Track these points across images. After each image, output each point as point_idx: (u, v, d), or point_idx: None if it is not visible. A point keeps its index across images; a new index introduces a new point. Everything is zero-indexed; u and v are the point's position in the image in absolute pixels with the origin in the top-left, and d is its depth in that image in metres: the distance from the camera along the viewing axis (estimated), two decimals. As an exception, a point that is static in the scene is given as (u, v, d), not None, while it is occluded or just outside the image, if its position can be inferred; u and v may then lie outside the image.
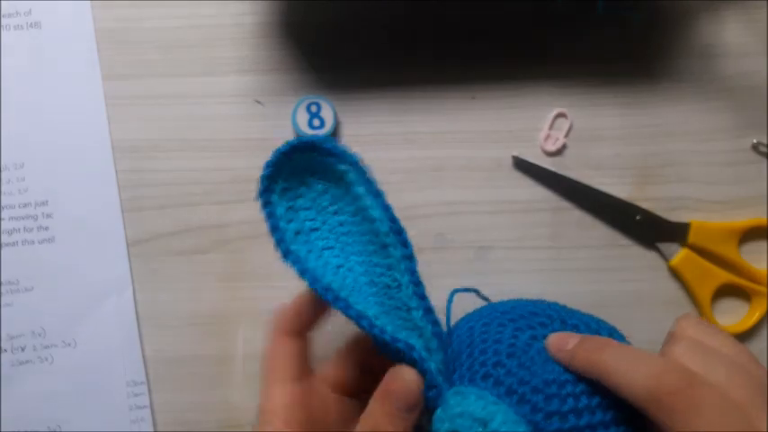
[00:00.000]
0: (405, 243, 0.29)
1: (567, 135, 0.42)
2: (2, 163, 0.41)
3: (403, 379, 0.29)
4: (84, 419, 0.41)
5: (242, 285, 0.42)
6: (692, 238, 0.41)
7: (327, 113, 0.41)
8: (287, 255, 0.29)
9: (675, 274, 0.42)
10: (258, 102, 0.42)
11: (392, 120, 0.42)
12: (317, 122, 0.41)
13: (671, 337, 0.29)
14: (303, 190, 0.31)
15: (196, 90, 0.42)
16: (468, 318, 0.33)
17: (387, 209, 0.30)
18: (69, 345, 0.41)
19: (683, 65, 0.42)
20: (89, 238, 0.41)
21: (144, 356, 0.42)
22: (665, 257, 0.42)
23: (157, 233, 0.42)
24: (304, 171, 0.30)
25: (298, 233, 0.30)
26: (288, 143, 0.29)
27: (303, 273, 0.29)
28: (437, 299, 0.37)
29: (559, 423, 0.27)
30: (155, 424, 0.41)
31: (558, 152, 0.42)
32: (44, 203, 0.41)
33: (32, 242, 0.41)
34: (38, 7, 0.42)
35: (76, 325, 0.41)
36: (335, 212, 0.31)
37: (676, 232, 0.41)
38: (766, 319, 0.42)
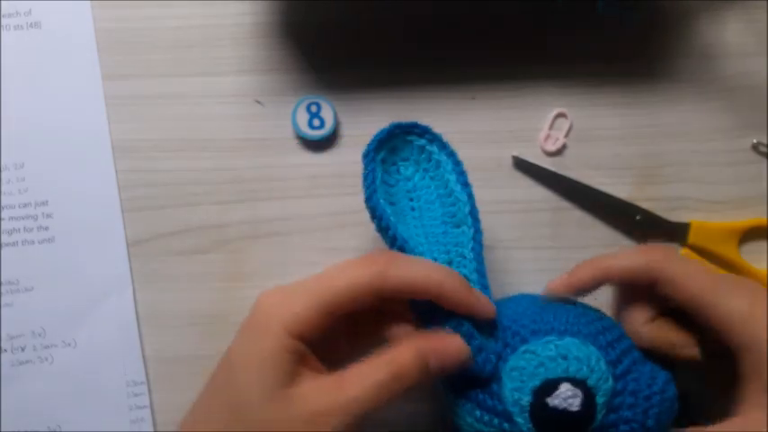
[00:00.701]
0: (479, 226, 0.35)
1: (567, 135, 0.42)
2: (2, 163, 0.41)
3: (453, 344, 0.30)
4: (84, 419, 0.41)
5: (242, 285, 0.42)
6: (692, 238, 0.41)
7: (327, 113, 0.41)
8: (370, 199, 0.33)
9: (675, 274, 0.42)
10: (258, 102, 0.42)
11: (392, 120, 0.42)
12: (317, 122, 0.41)
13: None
14: (393, 169, 0.35)
15: (196, 90, 0.42)
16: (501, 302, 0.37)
17: (471, 196, 0.35)
18: (69, 345, 0.41)
19: (683, 65, 0.42)
20: (89, 238, 0.41)
21: (144, 356, 0.42)
22: (665, 257, 0.42)
23: (157, 233, 0.42)
24: (398, 154, 0.36)
25: (390, 203, 0.34)
26: (403, 123, 0.35)
27: (381, 216, 0.33)
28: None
29: (604, 338, 0.32)
30: (155, 424, 0.41)
31: (558, 152, 0.42)
32: (44, 203, 0.41)
33: (32, 242, 0.41)
34: (38, 7, 0.42)
35: (76, 325, 0.41)
36: (410, 199, 0.35)
37: (676, 232, 0.41)
38: (766, 318, 0.42)
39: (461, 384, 0.33)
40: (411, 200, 0.35)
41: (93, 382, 0.41)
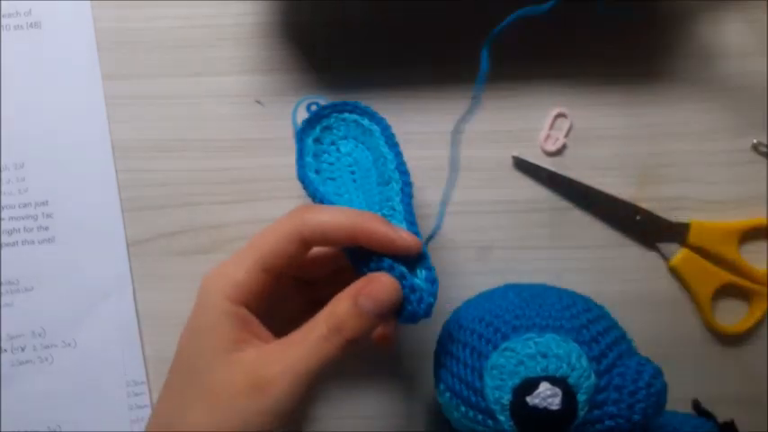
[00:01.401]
0: (407, 178, 0.36)
1: (567, 135, 0.42)
2: (2, 163, 0.41)
3: (381, 281, 0.30)
4: (84, 419, 0.41)
5: (242, 285, 0.42)
6: (692, 238, 0.41)
7: (327, 113, 0.41)
8: (300, 173, 0.35)
9: (675, 274, 0.42)
10: (258, 102, 0.42)
11: (392, 120, 0.42)
12: (317, 122, 0.41)
13: None
14: (332, 149, 0.37)
15: (196, 90, 0.42)
16: (467, 304, 0.38)
17: (398, 154, 0.36)
18: (69, 345, 0.41)
19: (683, 65, 0.42)
20: (89, 238, 0.41)
21: (144, 356, 0.42)
22: (665, 257, 0.42)
23: (157, 233, 0.42)
24: (335, 133, 0.38)
25: (317, 172, 0.36)
26: (332, 102, 0.37)
27: (311, 189, 0.35)
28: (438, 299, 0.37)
29: (588, 332, 0.32)
30: (155, 424, 0.41)
31: (558, 152, 0.42)
32: (44, 203, 0.41)
33: (32, 242, 0.41)
34: (38, 7, 0.42)
35: (76, 325, 0.41)
36: (352, 172, 0.37)
37: (676, 232, 0.41)
38: (766, 319, 0.42)
39: (442, 362, 0.34)
40: (353, 173, 0.37)
41: (93, 382, 0.41)
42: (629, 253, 0.42)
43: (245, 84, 0.42)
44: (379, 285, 0.30)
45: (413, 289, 0.31)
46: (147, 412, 0.41)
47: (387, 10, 0.42)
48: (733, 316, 0.42)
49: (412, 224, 0.34)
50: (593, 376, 0.30)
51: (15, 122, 0.41)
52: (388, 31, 0.42)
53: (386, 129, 0.37)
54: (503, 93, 0.42)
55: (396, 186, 0.36)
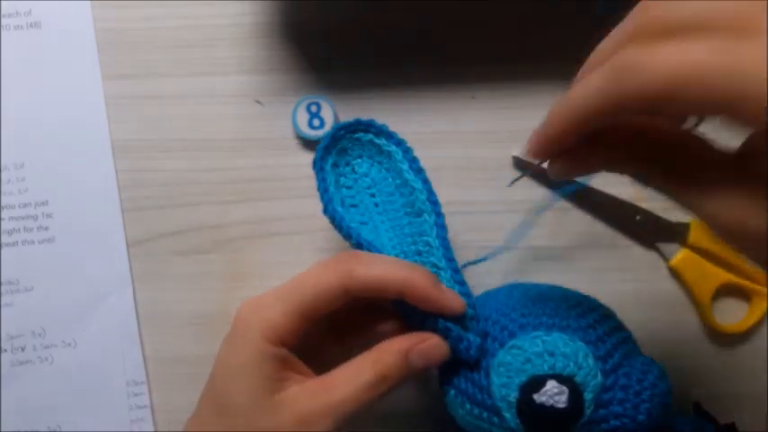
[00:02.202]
0: (439, 210, 0.35)
1: (567, 135, 0.42)
2: (2, 163, 0.41)
3: (434, 344, 0.31)
4: (84, 419, 0.41)
5: (242, 285, 0.42)
6: (692, 238, 0.41)
7: (327, 113, 0.41)
8: (327, 209, 0.34)
9: (675, 274, 0.42)
10: (258, 102, 0.42)
11: (392, 120, 0.42)
12: (316, 122, 0.41)
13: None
14: (347, 170, 0.36)
15: (196, 90, 0.42)
16: (487, 295, 0.37)
17: (426, 181, 0.35)
18: (69, 345, 0.41)
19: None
20: (89, 238, 0.41)
21: (144, 356, 0.42)
22: (665, 257, 0.42)
23: (157, 233, 0.42)
24: (350, 153, 0.36)
25: (342, 203, 0.35)
26: (345, 123, 0.35)
27: (344, 228, 0.33)
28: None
29: (594, 332, 0.32)
30: (155, 424, 0.41)
31: (558, 152, 0.42)
32: (44, 203, 0.41)
33: (32, 242, 0.41)
34: (38, 7, 0.42)
35: (76, 325, 0.41)
36: (372, 195, 0.36)
37: (676, 232, 0.41)
38: (766, 319, 0.42)
39: (452, 372, 0.34)
40: (372, 195, 0.36)
41: (93, 382, 0.41)
42: (629, 253, 0.42)
43: (245, 84, 0.42)
44: (431, 347, 0.31)
45: (459, 338, 0.32)
46: (147, 412, 0.41)
47: (387, 10, 0.42)
48: (733, 316, 0.42)
49: (450, 260, 0.34)
50: (599, 375, 0.30)
51: (15, 122, 0.41)
52: (388, 32, 0.42)
53: (407, 151, 0.36)
54: (503, 93, 0.42)
55: (429, 219, 0.35)
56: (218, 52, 0.42)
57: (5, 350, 0.41)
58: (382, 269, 0.30)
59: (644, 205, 0.42)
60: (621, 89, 0.22)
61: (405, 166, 0.35)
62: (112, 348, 0.41)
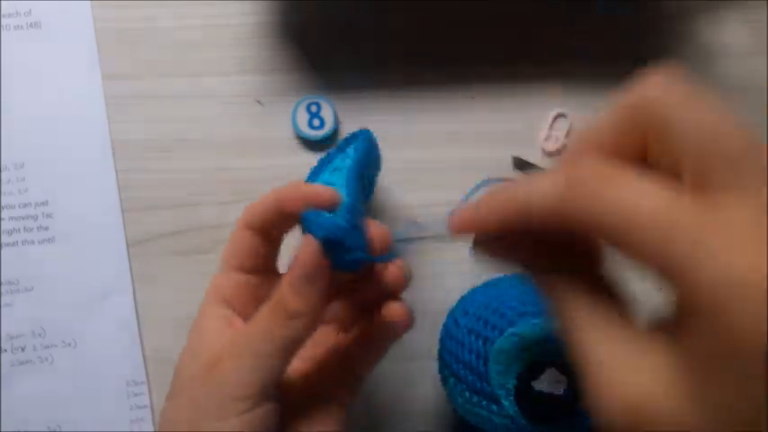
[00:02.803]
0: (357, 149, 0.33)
1: (567, 135, 0.42)
2: (2, 163, 0.41)
3: (301, 244, 0.29)
4: (85, 419, 0.41)
5: (242, 285, 0.42)
6: (692, 238, 0.41)
7: (327, 113, 0.41)
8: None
9: (675, 274, 0.42)
10: (258, 102, 0.42)
11: (392, 120, 0.42)
12: (316, 122, 0.41)
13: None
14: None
15: (196, 90, 0.42)
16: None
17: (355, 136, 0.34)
18: (69, 345, 0.41)
19: (683, 65, 0.42)
20: (89, 238, 0.41)
21: (144, 356, 0.42)
22: (665, 257, 0.42)
23: (157, 233, 0.42)
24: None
25: None
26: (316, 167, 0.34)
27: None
28: (438, 299, 0.38)
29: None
30: (155, 424, 0.41)
31: (558, 152, 0.42)
32: (44, 203, 0.41)
33: (32, 242, 0.41)
34: (38, 7, 0.42)
35: (76, 325, 0.41)
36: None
37: (676, 232, 0.41)
38: (766, 319, 0.42)
39: (451, 357, 0.34)
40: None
41: (93, 382, 0.41)
42: (629, 253, 0.42)
43: (245, 84, 0.42)
44: (300, 248, 0.28)
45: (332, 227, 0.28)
46: (147, 412, 0.41)
47: (387, 10, 0.42)
48: (733, 316, 0.42)
49: (346, 184, 0.31)
50: None
51: (15, 122, 0.41)
52: (389, 32, 0.42)
53: (364, 137, 0.34)
54: (503, 93, 0.42)
55: (349, 153, 0.33)
56: (218, 52, 0.42)
57: (5, 350, 0.41)
58: (265, 197, 0.31)
59: (644, 205, 0.42)
60: (571, 214, 0.20)
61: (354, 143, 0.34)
62: (112, 348, 0.41)
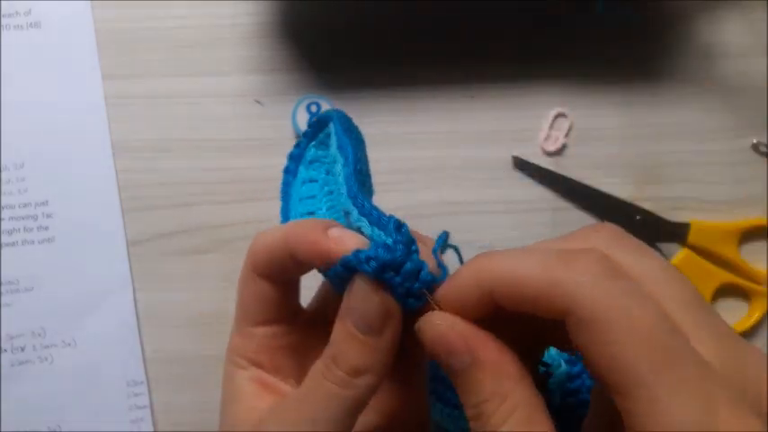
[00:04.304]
0: (348, 153, 0.29)
1: (567, 135, 0.42)
2: (2, 163, 0.41)
3: (353, 287, 0.23)
4: (85, 419, 0.41)
5: (242, 285, 0.42)
6: (692, 238, 0.41)
7: (327, 113, 0.41)
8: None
9: (675, 274, 0.42)
10: (258, 102, 0.42)
11: (392, 120, 0.42)
12: (317, 122, 0.41)
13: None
14: (321, 179, 0.33)
15: (196, 90, 0.42)
16: None
17: (340, 132, 0.30)
18: (69, 345, 0.41)
19: (683, 65, 0.42)
20: (89, 238, 0.41)
21: (144, 356, 0.42)
22: (665, 257, 0.42)
23: (157, 233, 0.42)
24: (323, 161, 0.33)
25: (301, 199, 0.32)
26: (298, 142, 0.33)
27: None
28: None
29: None
30: (155, 424, 0.41)
31: (558, 152, 0.42)
32: (44, 203, 0.41)
33: (32, 242, 0.41)
34: (38, 7, 0.42)
35: (76, 325, 0.41)
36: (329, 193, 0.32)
37: (676, 232, 0.41)
38: (766, 319, 0.42)
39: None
40: (323, 188, 0.33)
41: (93, 382, 0.41)
42: (629, 253, 0.42)
43: (245, 84, 0.42)
44: (354, 292, 0.23)
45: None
46: (147, 412, 0.41)
47: (387, 10, 0.42)
48: (733, 316, 0.42)
49: (355, 197, 0.27)
50: (563, 365, 0.30)
51: (15, 122, 0.41)
52: (388, 32, 0.42)
53: (337, 119, 0.31)
54: (503, 93, 0.42)
55: (338, 167, 0.30)
56: (218, 52, 0.42)
57: (5, 350, 0.41)
58: (270, 234, 0.26)
59: (644, 205, 0.42)
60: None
61: (335, 139, 0.31)
62: (112, 348, 0.41)
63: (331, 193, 0.32)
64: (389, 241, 0.23)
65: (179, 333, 0.42)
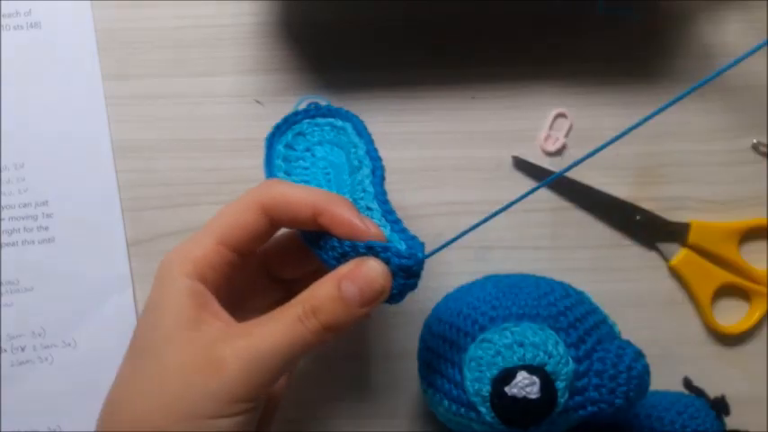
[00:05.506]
0: (378, 162, 0.34)
1: (567, 135, 0.42)
2: (2, 163, 0.41)
3: (369, 266, 0.27)
4: (85, 419, 0.41)
5: (242, 285, 0.42)
6: (692, 238, 0.41)
7: (327, 113, 0.41)
8: (268, 174, 0.34)
9: (675, 274, 0.42)
10: (258, 102, 0.42)
11: (392, 120, 0.42)
12: (317, 122, 0.41)
13: None
14: (307, 155, 0.36)
15: (196, 90, 0.42)
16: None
17: (369, 141, 0.35)
18: (69, 345, 0.41)
19: (683, 65, 0.42)
20: (89, 238, 0.41)
21: (144, 356, 0.42)
22: (665, 257, 0.42)
23: (157, 233, 0.42)
24: (309, 139, 0.36)
25: (286, 174, 0.35)
26: (303, 109, 0.37)
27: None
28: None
29: (565, 319, 0.32)
30: (155, 424, 0.41)
31: (558, 152, 0.42)
32: (44, 203, 0.41)
33: (32, 242, 0.41)
34: (38, 7, 0.42)
35: (76, 325, 0.41)
36: (327, 173, 0.35)
37: (676, 232, 0.41)
38: (766, 319, 0.42)
39: (430, 369, 0.34)
40: (327, 174, 0.35)
41: (93, 382, 0.41)
42: (629, 253, 0.42)
43: (245, 84, 0.42)
44: (366, 270, 0.27)
45: (386, 248, 0.28)
46: (147, 412, 0.41)
47: (387, 10, 0.42)
48: (733, 316, 0.42)
49: (384, 202, 0.32)
50: (571, 362, 0.30)
51: (15, 122, 0.41)
52: (388, 32, 0.42)
53: (357, 123, 0.36)
54: (503, 93, 0.42)
55: (366, 170, 0.34)
56: (218, 52, 0.42)
57: (5, 350, 0.41)
58: (298, 188, 0.30)
59: (644, 205, 0.42)
60: None
61: (353, 134, 0.36)
62: (112, 348, 0.41)
63: (328, 174, 0.35)
64: (403, 248, 0.29)
65: (179, 333, 0.42)
